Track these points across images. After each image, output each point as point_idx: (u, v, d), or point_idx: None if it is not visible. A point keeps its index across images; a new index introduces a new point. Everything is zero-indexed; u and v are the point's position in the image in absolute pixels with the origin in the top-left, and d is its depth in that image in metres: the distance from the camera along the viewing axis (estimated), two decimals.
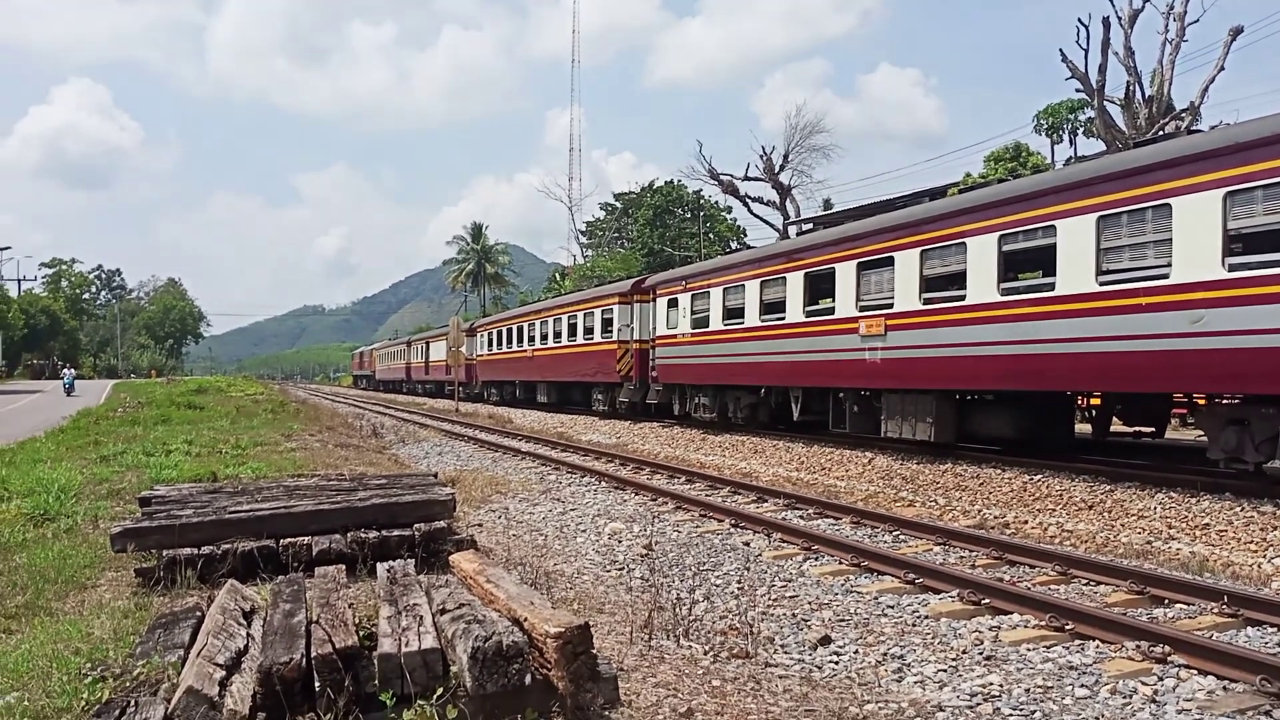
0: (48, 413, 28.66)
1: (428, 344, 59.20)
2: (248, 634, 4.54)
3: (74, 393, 46.85)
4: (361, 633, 4.50)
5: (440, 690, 4.06)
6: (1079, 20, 33.11)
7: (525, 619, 4.45)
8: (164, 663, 4.17)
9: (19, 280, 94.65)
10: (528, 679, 4.14)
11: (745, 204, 55.08)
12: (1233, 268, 10.61)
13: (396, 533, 7.63)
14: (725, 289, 22.11)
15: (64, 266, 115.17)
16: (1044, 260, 13.76)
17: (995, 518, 11.79)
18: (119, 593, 6.71)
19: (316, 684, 3.93)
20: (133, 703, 3.79)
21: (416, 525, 7.82)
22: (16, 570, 7.21)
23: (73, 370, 61.72)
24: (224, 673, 3.94)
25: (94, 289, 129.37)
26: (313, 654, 4.03)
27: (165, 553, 6.89)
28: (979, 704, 5.46)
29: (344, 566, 6.40)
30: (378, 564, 6.14)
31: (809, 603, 7.88)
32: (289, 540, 7.24)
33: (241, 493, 8.58)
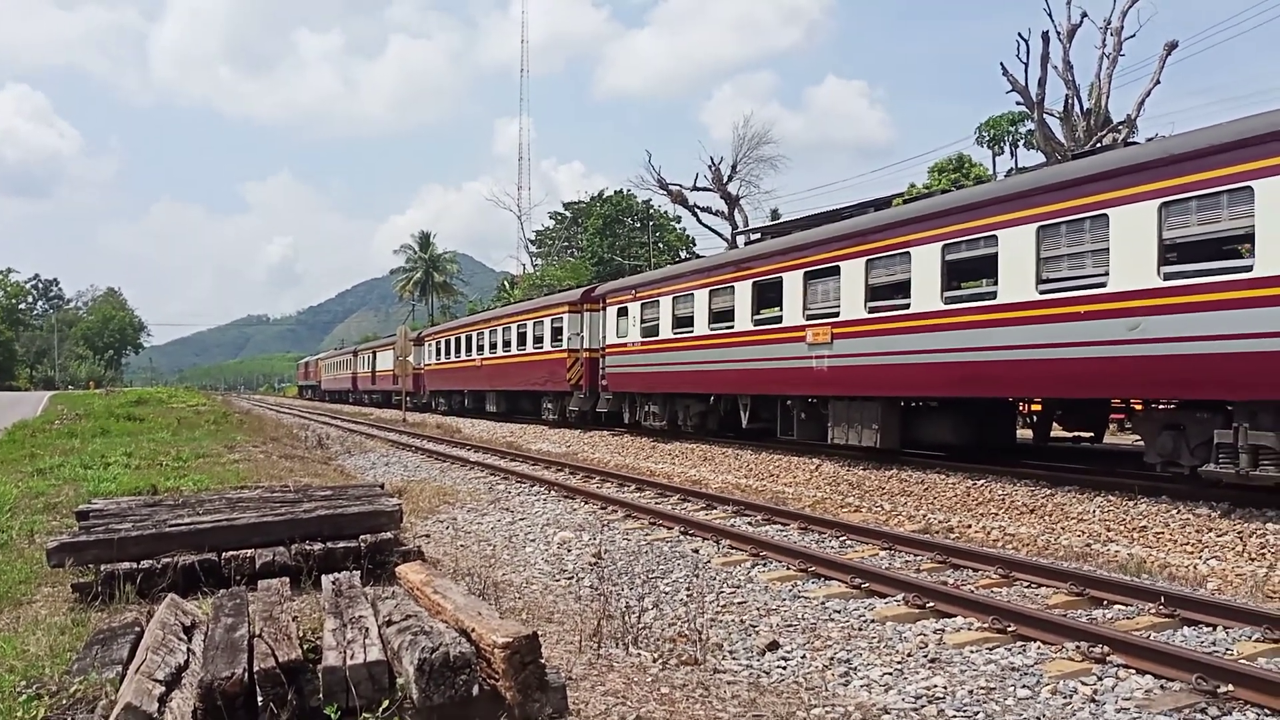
0: None
1: (374, 353, 58.62)
2: (188, 649, 4.46)
3: None
4: (306, 646, 4.44)
5: (386, 703, 4.02)
6: (1019, 35, 33.85)
7: (473, 629, 4.43)
8: (102, 679, 4.09)
9: None
10: (475, 689, 4.11)
11: (694, 214, 55.34)
12: (1168, 276, 10.87)
13: (342, 544, 7.55)
14: (675, 298, 22.19)
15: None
16: (986, 269, 14.00)
17: (940, 522, 11.94)
18: (55, 609, 6.55)
19: (259, 699, 3.87)
20: None
21: (363, 537, 7.73)
22: None
23: None
24: (164, 688, 3.87)
25: (30, 299, 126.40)
26: (255, 668, 3.97)
27: (103, 567, 6.74)
28: (924, 706, 5.53)
29: (288, 579, 6.31)
30: (323, 576, 6.06)
31: (757, 609, 7.92)
32: (231, 553, 7.13)
33: (182, 505, 8.43)
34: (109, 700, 3.85)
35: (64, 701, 3.93)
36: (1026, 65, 34.06)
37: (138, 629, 4.93)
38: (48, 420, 26.75)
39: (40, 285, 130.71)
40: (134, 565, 6.77)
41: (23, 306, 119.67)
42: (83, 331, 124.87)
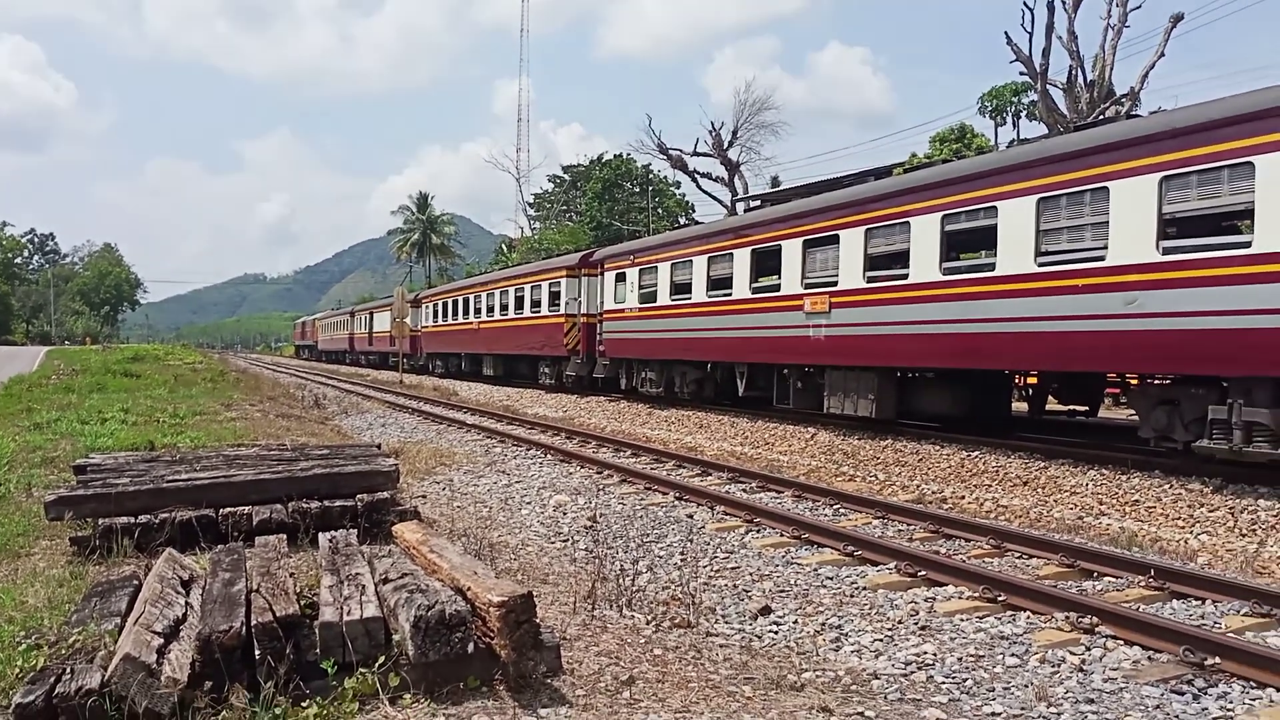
0: None
1: (372, 314, 58.55)
2: (186, 603, 4.51)
3: None
4: (303, 602, 4.48)
5: (382, 659, 4.08)
6: (1024, 3, 33.52)
7: (469, 588, 4.47)
8: (100, 631, 4.13)
9: None
10: (470, 647, 4.17)
11: (694, 179, 55.09)
12: (1167, 251, 10.86)
13: (339, 503, 7.59)
14: (673, 264, 22.15)
15: None
16: (985, 241, 13.98)
17: (933, 493, 12.01)
18: (53, 562, 6.60)
19: (257, 652, 3.92)
20: (69, 670, 3.75)
21: (359, 496, 7.78)
22: None
23: None
24: (162, 640, 3.91)
25: (26, 253, 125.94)
26: (253, 622, 4.02)
27: (101, 521, 6.78)
28: (913, 672, 5.59)
29: (285, 537, 6.37)
30: (320, 534, 6.11)
31: (750, 574, 7.98)
32: (229, 510, 7.17)
33: (180, 461, 8.47)
34: (108, 651, 3.89)
35: (63, 652, 3.96)
36: (1031, 35, 33.84)
37: (136, 582, 4.97)
38: (44, 375, 26.77)
39: (36, 239, 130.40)
40: (132, 520, 6.81)
41: (19, 260, 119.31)
42: (79, 287, 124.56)
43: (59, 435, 13.15)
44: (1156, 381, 12.23)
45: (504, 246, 79.40)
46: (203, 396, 21.17)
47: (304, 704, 3.90)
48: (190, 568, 5.27)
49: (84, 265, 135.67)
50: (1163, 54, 33.34)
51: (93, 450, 10.48)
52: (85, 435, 12.95)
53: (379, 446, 10.69)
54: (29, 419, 15.18)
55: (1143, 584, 7.40)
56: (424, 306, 46.52)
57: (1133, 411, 13.79)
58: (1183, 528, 9.63)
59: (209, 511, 7.12)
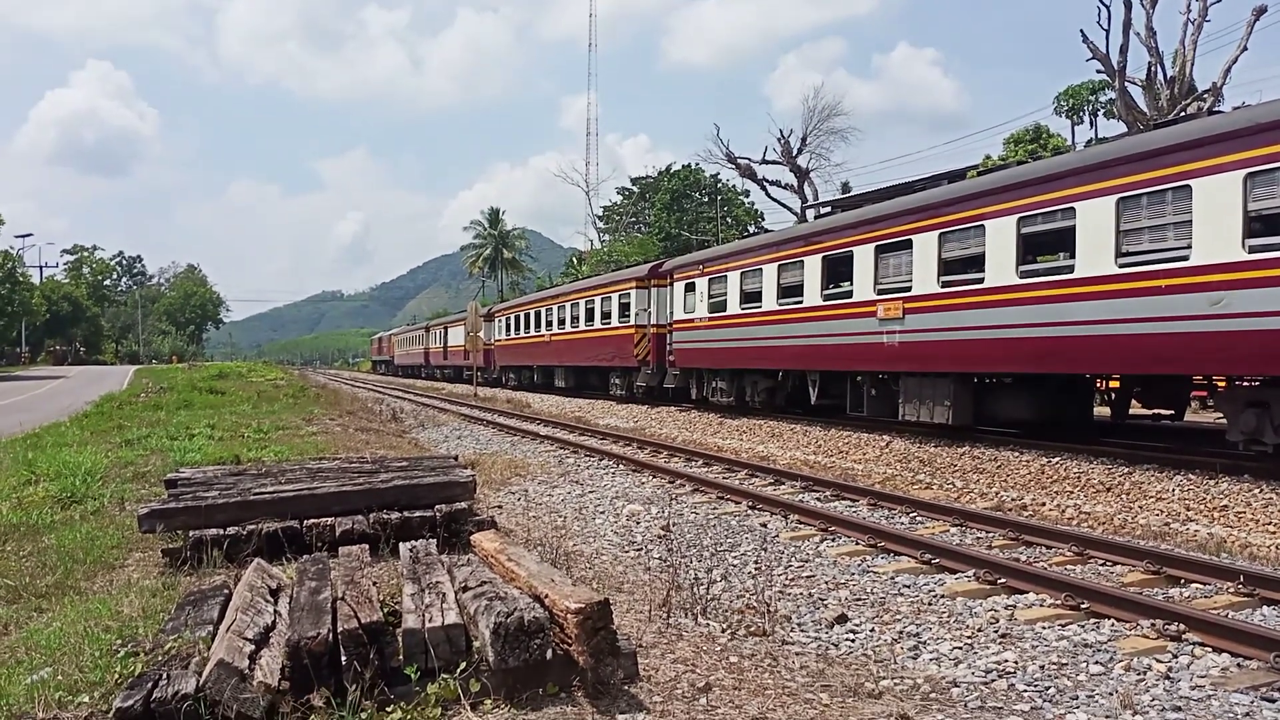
0: (71, 397, 28.95)
1: (446, 329, 59.42)
2: (274, 610, 4.64)
3: None
4: (385, 609, 4.58)
5: (463, 665, 4.15)
6: (1100, 1, 32.84)
7: (546, 595, 4.53)
8: (194, 638, 4.27)
9: (40, 267, 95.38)
10: (549, 654, 4.22)
11: (763, 187, 54.98)
12: (1253, 249, 10.55)
13: (418, 514, 7.72)
14: (742, 273, 22.11)
15: (85, 253, 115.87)
16: (1063, 242, 13.71)
17: (1012, 500, 11.80)
18: (146, 572, 6.82)
19: (343, 658, 4.02)
20: (165, 675, 3.88)
21: (438, 506, 7.90)
22: (46, 551, 7.34)
23: None
24: (253, 647, 4.03)
25: (115, 275, 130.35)
26: (339, 629, 4.12)
27: (191, 533, 6.99)
28: (994, 680, 5.52)
29: (367, 546, 6.50)
30: (400, 544, 6.23)
31: (825, 582, 7.94)
32: (313, 521, 7.34)
33: (265, 475, 8.70)
34: (201, 657, 4.03)
35: (159, 658, 4.11)
36: (1108, 32, 33.12)
37: (226, 591, 5.13)
38: (134, 393, 27.69)
39: (124, 262, 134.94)
40: (221, 531, 7.02)
41: (108, 283, 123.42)
42: (165, 307, 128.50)
43: (149, 451, 13.59)
44: (1245, 383, 11.87)
45: (574, 259, 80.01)
46: (284, 412, 21.71)
47: (388, 708, 3.98)
48: (278, 577, 5.42)
49: (169, 286, 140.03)
50: (1245, 48, 32.41)
51: (182, 465, 10.81)
52: (174, 450, 13.36)
53: (456, 458, 10.85)
54: (120, 435, 15.72)
55: (1231, 590, 7.20)
56: (496, 320, 47.08)
57: (1220, 415, 13.39)
58: (1274, 533, 9.32)
59: (294, 523, 7.30)
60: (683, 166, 66.05)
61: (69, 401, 26.62)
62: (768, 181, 54.56)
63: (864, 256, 17.27)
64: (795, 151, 52.90)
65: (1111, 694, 5.28)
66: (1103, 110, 50.28)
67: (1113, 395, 15.95)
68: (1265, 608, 6.92)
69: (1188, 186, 11.21)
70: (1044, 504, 11.46)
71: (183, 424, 17.31)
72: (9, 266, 70.87)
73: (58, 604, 5.96)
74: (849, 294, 17.88)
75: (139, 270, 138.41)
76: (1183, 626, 6.10)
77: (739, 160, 54.16)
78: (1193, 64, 33.28)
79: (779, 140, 52.77)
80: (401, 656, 4.17)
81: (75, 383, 42.98)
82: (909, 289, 16.03)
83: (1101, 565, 8.34)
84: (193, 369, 49.93)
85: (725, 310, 22.85)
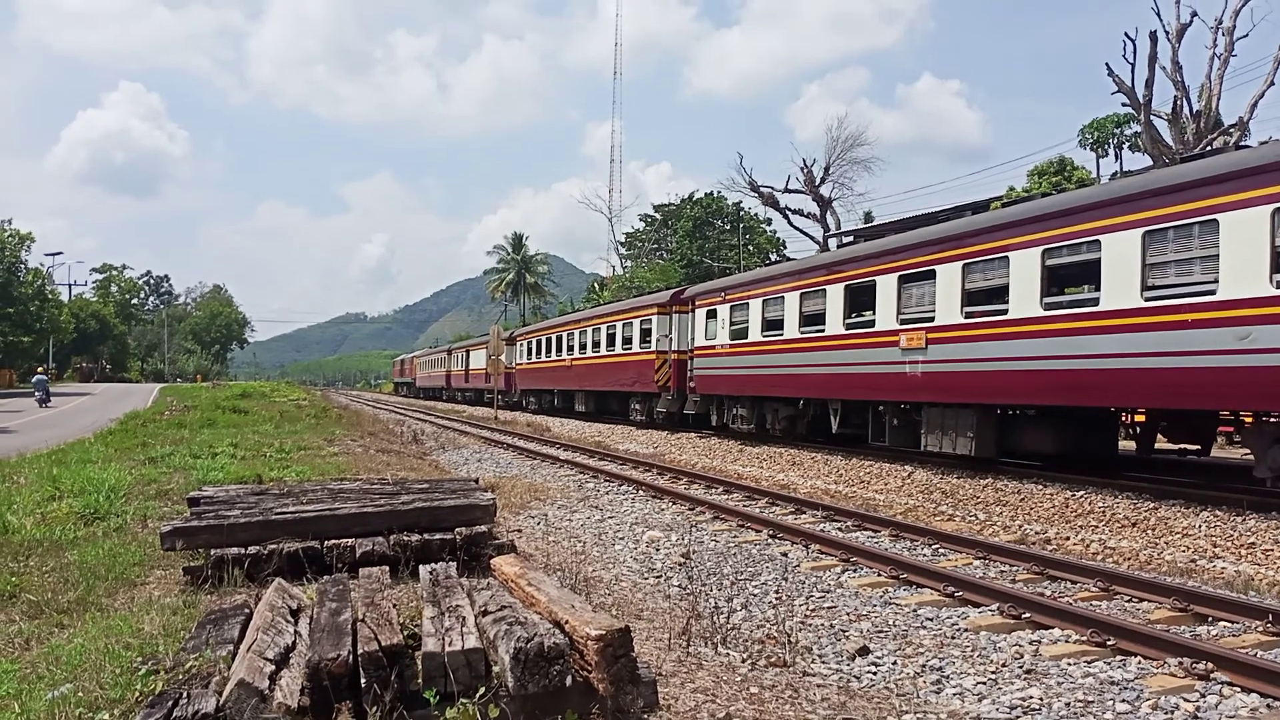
0: (96, 414, 29.21)
1: (468, 352, 59.64)
2: (295, 631, 4.64)
3: (49, 403, 37.02)
4: (405, 632, 4.57)
5: (483, 689, 4.13)
6: (1126, 34, 32.87)
7: (566, 621, 4.51)
8: (215, 657, 4.27)
9: (69, 285, 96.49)
10: (568, 680, 4.19)
11: (785, 216, 54.92)
12: None
13: (438, 536, 7.73)
14: (765, 300, 22.10)
15: (114, 272, 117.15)
16: (1088, 275, 13.64)
17: (1036, 533, 11.68)
18: (168, 590, 6.85)
19: (362, 680, 4.01)
20: (185, 694, 3.88)
21: (458, 529, 7.91)
22: (68, 567, 7.38)
23: (44, 373, 43.46)
24: (273, 667, 4.03)
25: (143, 294, 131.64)
26: (359, 651, 4.11)
27: (213, 552, 7.02)
28: (1018, 716, 5.45)
29: (387, 568, 6.50)
30: (420, 566, 6.22)
31: (847, 614, 7.87)
32: (333, 541, 7.36)
33: (287, 495, 8.72)
34: (222, 677, 4.02)
35: (180, 677, 4.11)
36: (1133, 66, 33.09)
37: (247, 611, 5.14)
38: (158, 411, 27.89)
39: (152, 281, 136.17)
40: (242, 550, 7.04)
41: (135, 302, 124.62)
42: (191, 327, 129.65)
43: (172, 469, 13.67)
44: (1272, 419, 11.73)
45: (596, 285, 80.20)
46: (307, 432, 21.80)
47: None
48: (298, 597, 5.43)
49: (196, 305, 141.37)
50: (1273, 83, 32.25)
51: (204, 483, 10.86)
52: (197, 469, 13.44)
53: (476, 481, 10.86)
54: (144, 453, 15.82)
55: (1260, 629, 7.09)
56: (518, 344, 47.21)
57: (1247, 450, 13.22)
58: None
59: (315, 543, 7.32)
60: (705, 194, 66.13)
61: (93, 419, 26.84)
62: (790, 210, 54.54)
63: (887, 286, 17.23)
64: (818, 180, 52.89)
65: None
66: (1128, 143, 50.14)
67: (1138, 429, 15.80)
68: None
69: (1214, 220, 11.14)
70: (1068, 538, 11.34)
71: (206, 443, 17.41)
72: (39, 284, 71.81)
73: (79, 620, 5.98)
74: (871, 323, 17.82)
75: (166, 290, 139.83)
76: (1211, 665, 6.01)
77: (762, 189, 54.21)
78: (1219, 98, 33.17)
79: (802, 169, 52.80)
80: (421, 680, 4.15)
81: (100, 400, 43.32)
82: (932, 319, 15.97)
83: (1127, 601, 8.23)
84: (216, 388, 50.26)
85: (747, 337, 22.83)
